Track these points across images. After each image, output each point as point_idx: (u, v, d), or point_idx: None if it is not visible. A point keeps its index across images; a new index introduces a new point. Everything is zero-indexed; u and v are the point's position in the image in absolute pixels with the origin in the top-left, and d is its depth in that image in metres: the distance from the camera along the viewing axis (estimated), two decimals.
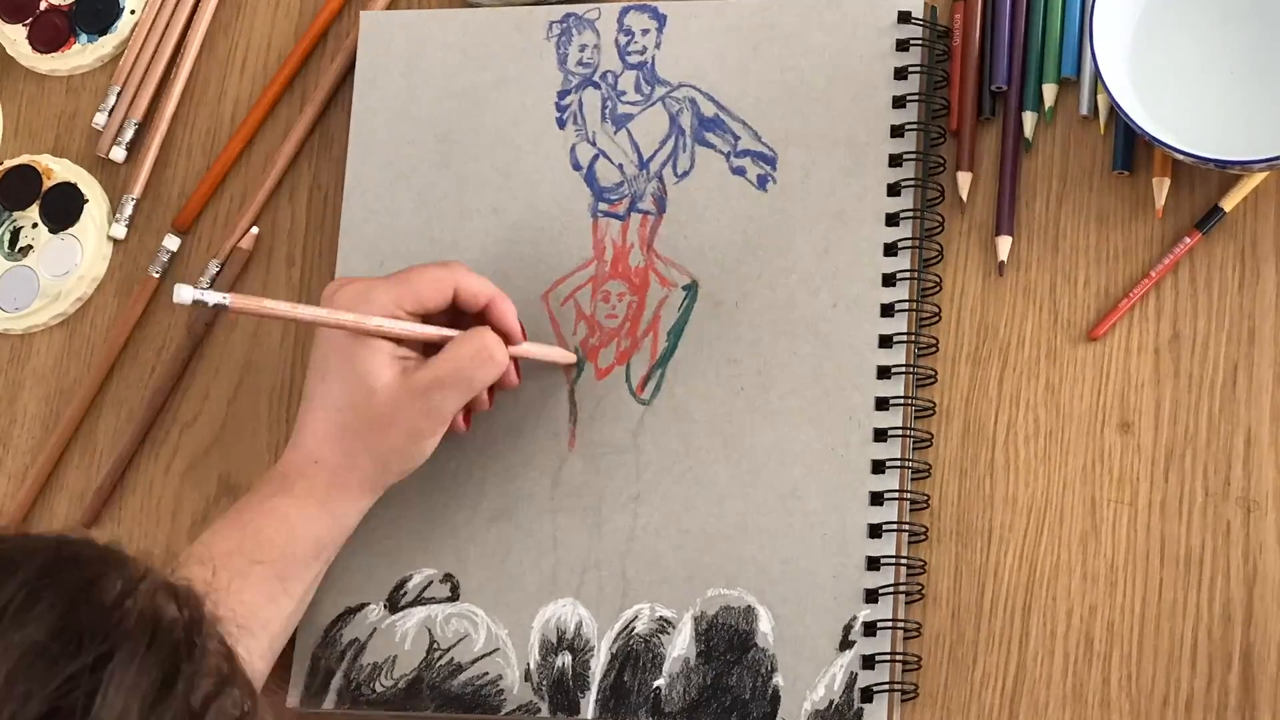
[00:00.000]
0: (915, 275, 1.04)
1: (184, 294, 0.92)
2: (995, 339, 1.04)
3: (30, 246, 1.22)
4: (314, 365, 1.02)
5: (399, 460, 1.01)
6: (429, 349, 1.02)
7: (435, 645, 1.05)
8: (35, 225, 1.22)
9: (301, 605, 1.02)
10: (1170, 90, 1.02)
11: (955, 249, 1.06)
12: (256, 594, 0.98)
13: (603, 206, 1.10)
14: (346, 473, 1.01)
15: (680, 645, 1.01)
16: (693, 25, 1.11)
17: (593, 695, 1.02)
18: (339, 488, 1.01)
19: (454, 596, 1.06)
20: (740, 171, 1.08)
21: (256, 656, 0.98)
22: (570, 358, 1.07)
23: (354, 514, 1.02)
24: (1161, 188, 1.03)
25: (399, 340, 1.01)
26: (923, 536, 1.01)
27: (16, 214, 1.22)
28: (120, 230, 1.20)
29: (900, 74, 1.07)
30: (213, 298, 0.94)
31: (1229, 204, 1.01)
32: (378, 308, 1.00)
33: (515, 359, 1.03)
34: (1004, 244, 1.04)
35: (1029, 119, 1.06)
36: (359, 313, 0.99)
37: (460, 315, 1.03)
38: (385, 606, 1.06)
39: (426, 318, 1.02)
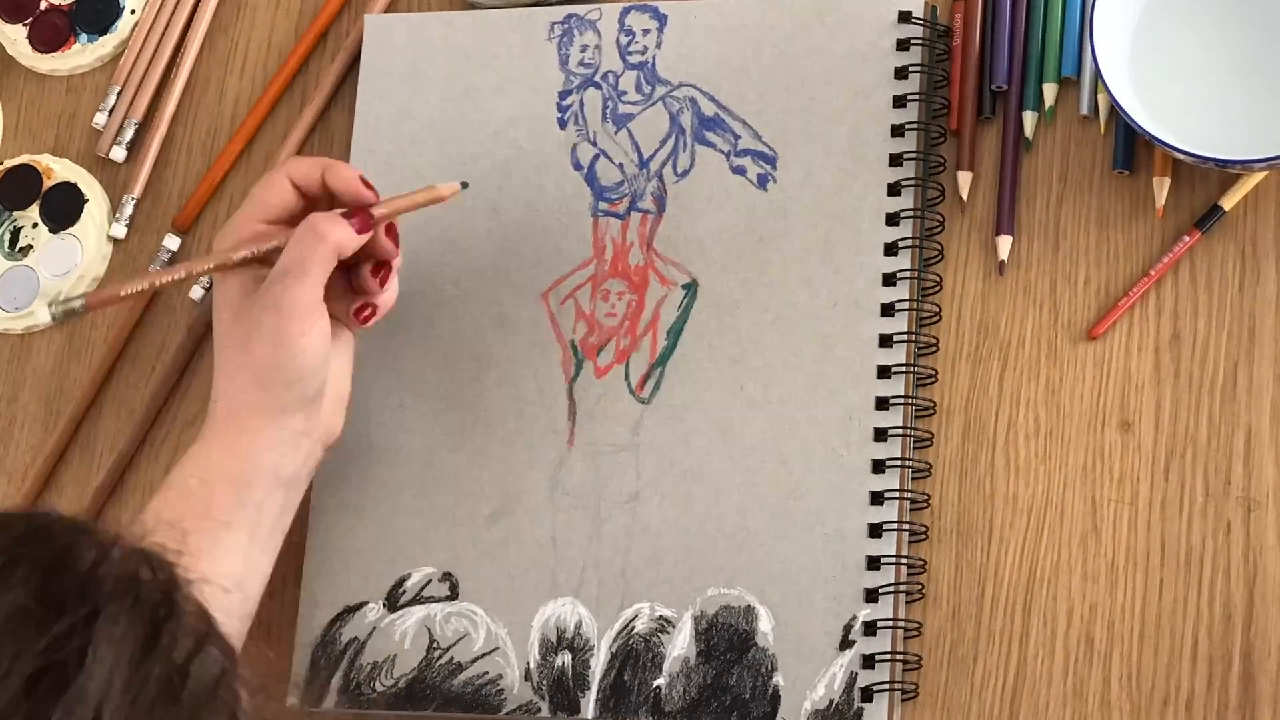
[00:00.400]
0: (915, 275, 1.04)
1: (42, 315, 0.94)
2: (995, 338, 1.04)
3: (30, 246, 1.22)
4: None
5: (279, 373, 0.98)
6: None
7: (435, 644, 1.05)
8: (35, 225, 1.22)
9: (249, 560, 0.99)
10: (1170, 90, 1.02)
11: (955, 248, 1.06)
12: (191, 551, 0.97)
13: (603, 206, 1.10)
14: (238, 403, 0.99)
15: (680, 644, 1.01)
16: (693, 25, 1.11)
17: (593, 694, 1.02)
18: (235, 420, 0.99)
19: (453, 595, 1.06)
20: (740, 171, 1.08)
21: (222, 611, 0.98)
22: (443, 190, 1.03)
23: (261, 447, 0.99)
24: (1162, 187, 1.03)
25: (261, 261, 1.00)
26: (923, 536, 1.01)
27: (16, 214, 1.22)
28: (120, 230, 1.20)
29: (900, 73, 1.07)
30: (74, 304, 0.96)
31: (1229, 203, 1.01)
32: (230, 234, 1.00)
33: (379, 221, 1.00)
34: (1004, 243, 1.04)
35: (1029, 118, 1.06)
36: (216, 249, 1.00)
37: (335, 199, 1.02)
38: (384, 606, 1.06)
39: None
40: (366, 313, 1.03)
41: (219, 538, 0.98)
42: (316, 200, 1.02)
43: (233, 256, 1.00)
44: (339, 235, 0.98)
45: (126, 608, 0.65)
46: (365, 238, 1.00)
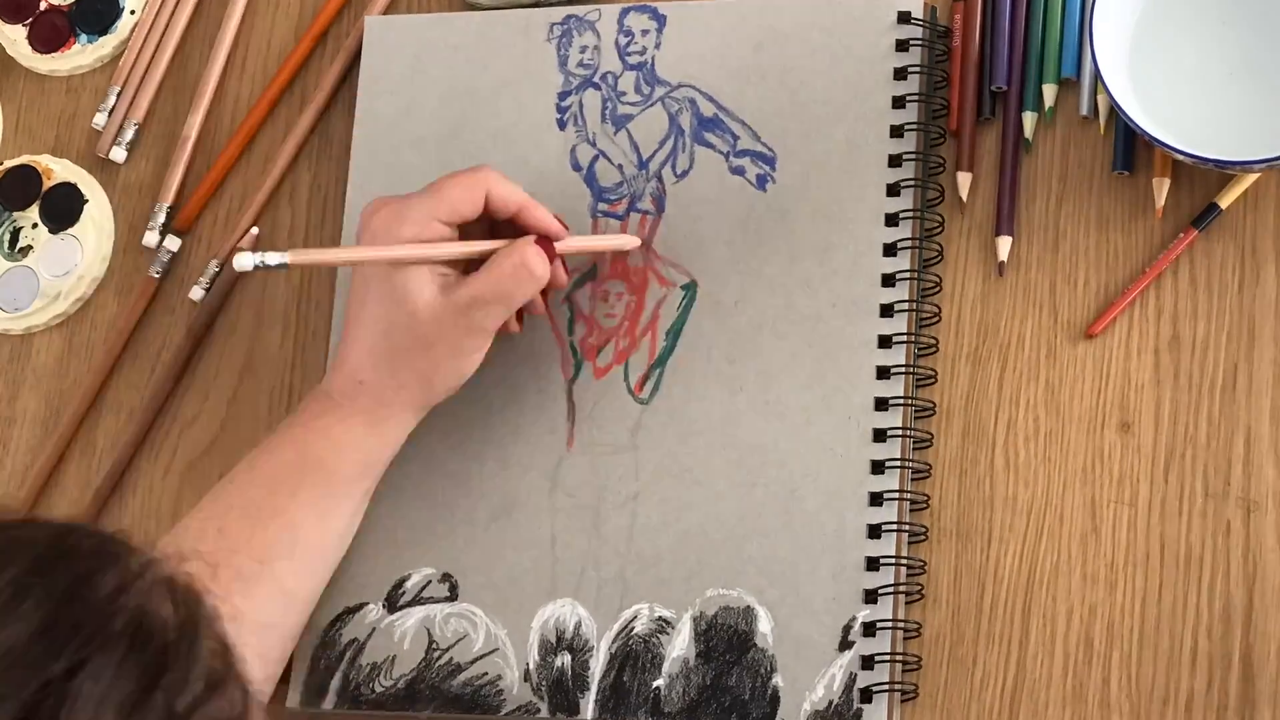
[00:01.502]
0: (915, 275, 1.04)
1: (245, 260, 0.92)
2: (995, 339, 1.03)
3: (30, 246, 1.22)
4: (354, 290, 1.03)
5: (443, 378, 1.02)
6: (471, 264, 1.01)
7: (434, 645, 1.05)
8: (35, 225, 1.22)
9: (351, 525, 1.04)
10: (1170, 90, 1.02)
11: (955, 249, 1.05)
12: (304, 513, 1.01)
13: (602, 206, 1.10)
14: (392, 392, 1.02)
15: (679, 645, 1.01)
16: (692, 26, 1.11)
17: (592, 695, 1.02)
18: (385, 406, 1.02)
19: (453, 596, 1.06)
20: (739, 171, 1.08)
21: (301, 566, 1.01)
22: (627, 241, 1.07)
23: (399, 433, 1.03)
24: (1161, 188, 1.03)
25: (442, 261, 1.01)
26: (922, 537, 1.01)
27: (16, 214, 1.22)
28: (153, 238, 1.20)
29: (900, 74, 1.07)
30: (274, 259, 0.94)
31: (1225, 201, 1.01)
32: (413, 224, 1.00)
33: (562, 256, 1.03)
34: (1004, 244, 1.04)
35: (1029, 119, 1.06)
36: (394, 232, 1.00)
37: (497, 223, 1.03)
38: (384, 606, 1.06)
39: (464, 227, 1.02)
40: (520, 320, 1.06)
41: (316, 502, 1.01)
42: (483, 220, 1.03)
43: (445, 253, 1.00)
44: (545, 274, 1.01)
45: (122, 654, 0.62)
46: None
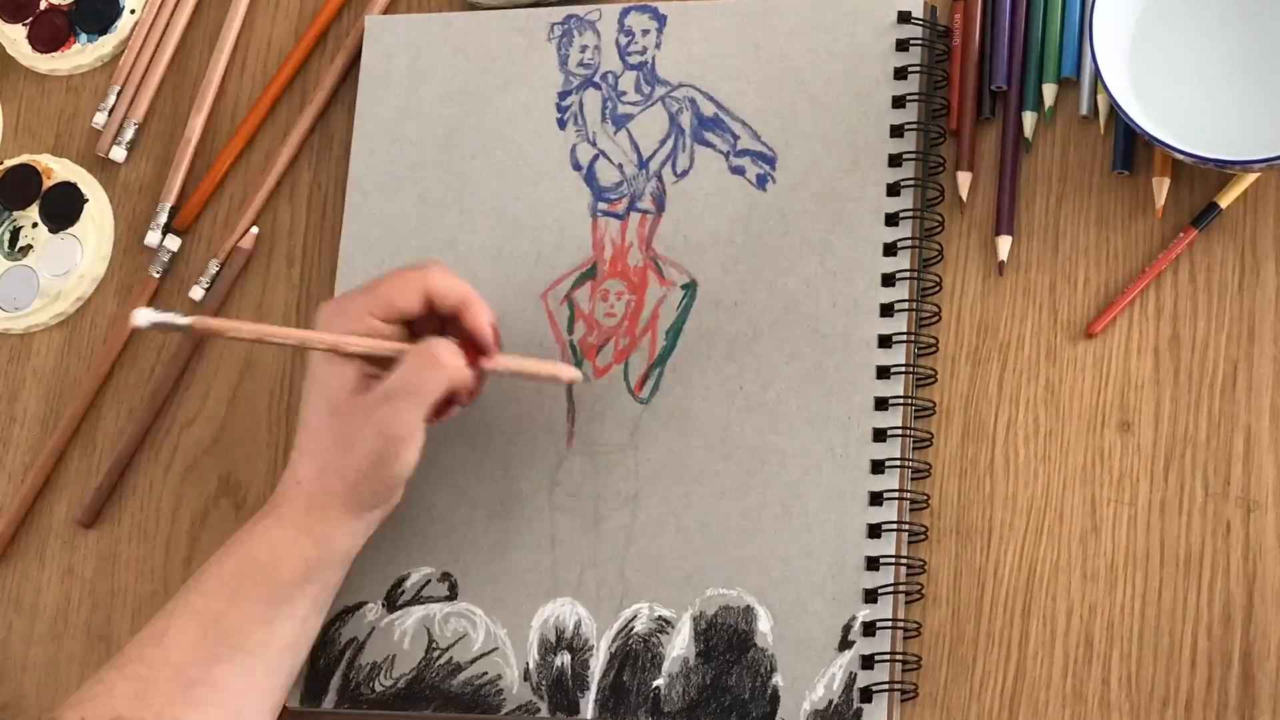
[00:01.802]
0: (915, 275, 1.04)
1: (141, 318, 0.92)
2: (995, 339, 1.04)
3: (30, 246, 1.22)
4: (304, 395, 1.02)
5: (367, 484, 1.00)
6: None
7: (434, 644, 1.05)
8: (35, 225, 1.22)
9: (303, 632, 1.01)
10: (1170, 90, 1.02)
11: (955, 249, 1.06)
12: (245, 617, 0.99)
13: (602, 206, 1.10)
14: (323, 494, 1.00)
15: (679, 645, 1.01)
16: (693, 25, 1.11)
17: (592, 695, 1.02)
18: (318, 509, 1.00)
19: (452, 595, 1.06)
20: (740, 171, 1.08)
21: (247, 671, 0.98)
22: (565, 373, 1.03)
23: (340, 536, 1.01)
24: (1161, 188, 1.03)
25: (368, 358, 1.00)
26: (922, 536, 1.01)
27: (16, 214, 1.22)
28: (155, 238, 1.20)
29: (900, 74, 1.07)
30: (178, 320, 0.93)
31: (1225, 200, 1.01)
32: (350, 319, 0.99)
33: (487, 371, 1.01)
34: (1004, 244, 1.04)
35: (1029, 119, 1.06)
36: (329, 325, 0.99)
37: (450, 321, 1.02)
38: (383, 605, 1.06)
39: (414, 324, 1.01)
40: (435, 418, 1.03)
41: (258, 606, 0.99)
42: (432, 318, 1.02)
43: (349, 346, 0.99)
44: (457, 370, 0.99)
45: None
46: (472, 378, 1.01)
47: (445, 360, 0.98)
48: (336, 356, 0.99)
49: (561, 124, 1.12)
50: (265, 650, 0.99)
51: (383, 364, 1.00)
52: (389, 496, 1.01)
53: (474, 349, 1.00)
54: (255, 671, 0.99)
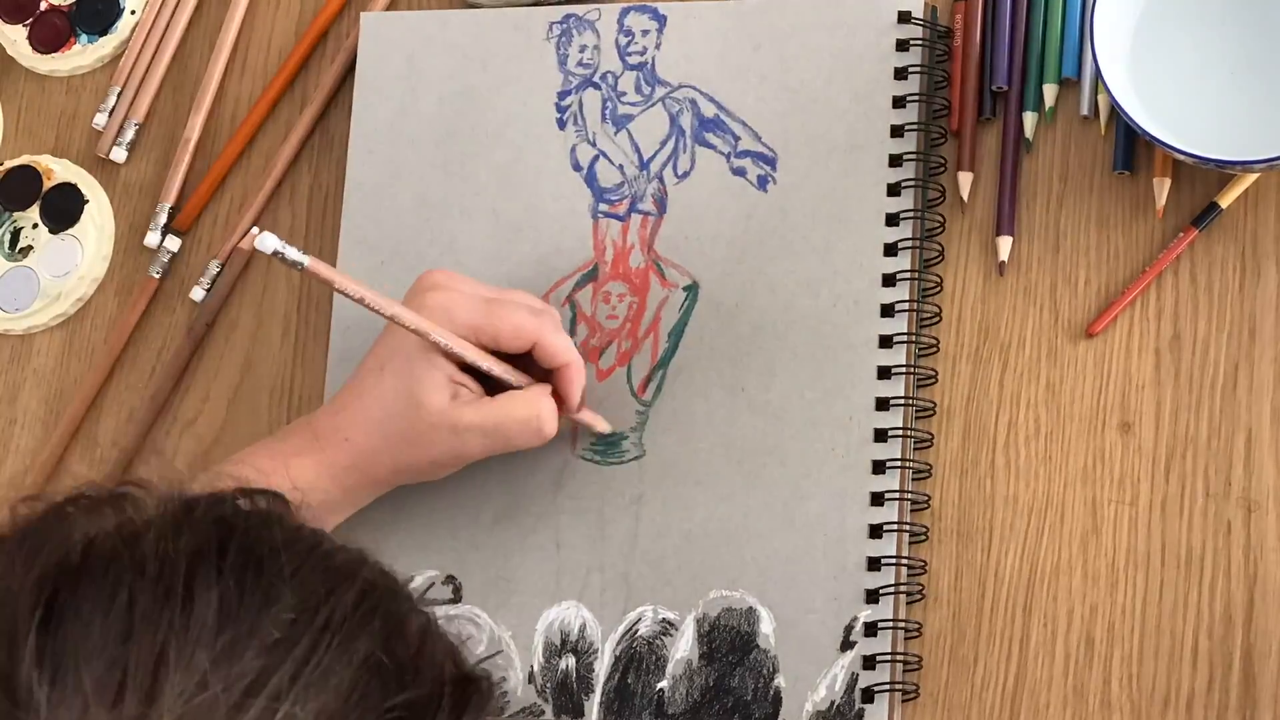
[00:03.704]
0: (916, 275, 1.04)
1: (267, 242, 0.90)
2: (995, 339, 1.04)
3: (30, 247, 1.22)
4: (379, 348, 1.02)
5: (413, 475, 1.03)
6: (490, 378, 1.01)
7: None
8: (35, 225, 1.22)
9: None
10: (1170, 90, 1.02)
11: (956, 249, 1.06)
12: None
13: (603, 207, 1.10)
14: (368, 463, 1.01)
15: (683, 647, 1.01)
16: (693, 26, 1.11)
17: (596, 698, 1.02)
18: (358, 471, 1.01)
19: (456, 598, 1.06)
20: (740, 172, 1.08)
21: None
22: (606, 427, 1.05)
23: (363, 498, 1.03)
24: (1162, 188, 1.03)
25: (461, 363, 1.00)
26: (923, 537, 1.01)
27: (16, 214, 1.22)
28: (155, 238, 1.20)
29: (900, 74, 1.07)
30: (294, 255, 0.92)
31: (1225, 200, 1.02)
32: (455, 329, 1.00)
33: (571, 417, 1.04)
34: (1004, 244, 1.04)
35: (1029, 119, 1.06)
36: (446, 313, 1.00)
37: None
38: None
39: None
40: None
41: None
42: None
43: (436, 337, 0.99)
44: (552, 434, 1.01)
45: (458, 705, 0.65)
46: None
47: (548, 431, 1.00)
48: (436, 356, 1.00)
49: (561, 124, 1.12)
50: None
51: (473, 374, 1.01)
52: (416, 482, 1.04)
53: (558, 395, 1.01)
54: None
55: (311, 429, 1.03)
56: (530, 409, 1.00)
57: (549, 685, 1.03)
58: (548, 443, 1.02)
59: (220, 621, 0.62)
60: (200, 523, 0.65)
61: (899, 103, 1.06)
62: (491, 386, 1.01)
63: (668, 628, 1.02)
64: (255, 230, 1.17)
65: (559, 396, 1.01)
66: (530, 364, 1.02)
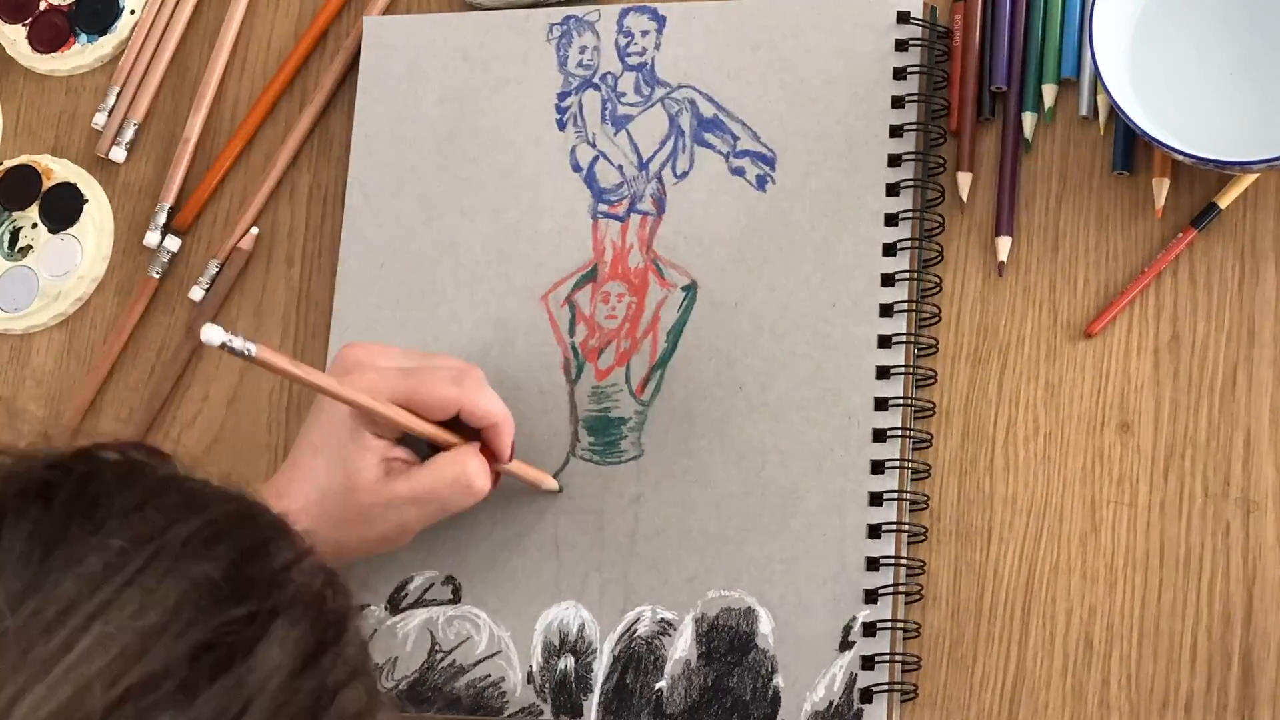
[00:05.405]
0: (915, 276, 1.04)
1: (212, 335, 0.90)
2: (995, 339, 1.04)
3: (30, 247, 1.22)
4: (310, 430, 1.02)
5: (359, 551, 1.02)
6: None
7: (437, 647, 1.05)
8: (35, 225, 1.22)
9: None
10: (1170, 90, 1.02)
11: (955, 249, 1.06)
12: None
13: (602, 208, 1.10)
14: (314, 543, 1.00)
15: (681, 647, 1.01)
16: (692, 26, 1.11)
17: (595, 698, 1.02)
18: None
19: (455, 598, 1.06)
20: (739, 172, 1.08)
21: None
22: (553, 485, 1.05)
23: None
24: (1161, 188, 1.03)
25: (398, 435, 1.00)
26: (922, 537, 1.01)
27: (16, 214, 1.22)
28: (154, 238, 1.20)
29: (899, 74, 1.07)
30: (239, 344, 0.91)
31: (1224, 201, 1.02)
32: (374, 381, 0.99)
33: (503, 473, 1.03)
34: (1004, 244, 1.04)
35: (1029, 119, 1.06)
36: (371, 363, 0.99)
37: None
38: (386, 608, 1.07)
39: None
40: None
41: None
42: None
43: (375, 407, 0.98)
44: (484, 489, 1.01)
45: (307, 617, 0.67)
46: None
47: (478, 487, 1.00)
48: (364, 436, 1.00)
49: (561, 125, 1.12)
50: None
51: (404, 442, 1.01)
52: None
53: (490, 451, 1.01)
54: None
55: None
56: (456, 468, 1.00)
57: (548, 685, 1.03)
58: (495, 488, 1.02)
59: (33, 551, 0.64)
60: (37, 469, 0.68)
61: (898, 103, 1.06)
62: (436, 453, 1.01)
63: (666, 628, 1.02)
64: (254, 230, 1.17)
65: (489, 453, 1.01)
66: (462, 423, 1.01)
